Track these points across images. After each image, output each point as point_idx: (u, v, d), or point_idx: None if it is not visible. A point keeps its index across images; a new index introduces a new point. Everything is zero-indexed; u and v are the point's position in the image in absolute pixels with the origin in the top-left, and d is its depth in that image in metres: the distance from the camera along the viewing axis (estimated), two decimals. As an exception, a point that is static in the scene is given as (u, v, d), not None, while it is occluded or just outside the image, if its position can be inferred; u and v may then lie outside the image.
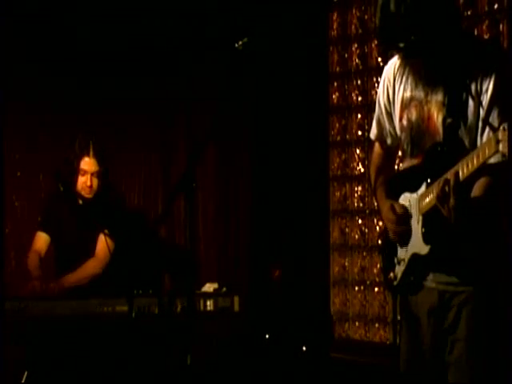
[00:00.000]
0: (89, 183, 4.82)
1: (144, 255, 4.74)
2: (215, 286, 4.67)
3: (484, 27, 5.60)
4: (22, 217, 5.69)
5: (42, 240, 4.95)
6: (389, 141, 3.27)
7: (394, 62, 3.18)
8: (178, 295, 4.32)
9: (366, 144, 5.98)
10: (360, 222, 6.32)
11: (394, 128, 3.20)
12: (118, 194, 5.16)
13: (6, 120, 5.53)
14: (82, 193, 4.84)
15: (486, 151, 2.68)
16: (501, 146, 2.62)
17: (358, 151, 6.25)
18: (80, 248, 4.89)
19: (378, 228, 5.97)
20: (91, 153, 4.84)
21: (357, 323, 6.27)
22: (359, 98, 6.24)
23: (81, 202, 4.90)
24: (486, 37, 5.51)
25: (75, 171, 4.82)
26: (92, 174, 4.83)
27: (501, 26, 5.51)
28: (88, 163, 4.84)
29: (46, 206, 5.05)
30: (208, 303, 4.48)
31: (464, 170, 2.77)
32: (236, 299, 4.54)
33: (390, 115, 3.21)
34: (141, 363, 4.26)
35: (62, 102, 5.87)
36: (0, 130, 4.82)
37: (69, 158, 4.85)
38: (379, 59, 6.04)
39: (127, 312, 4.30)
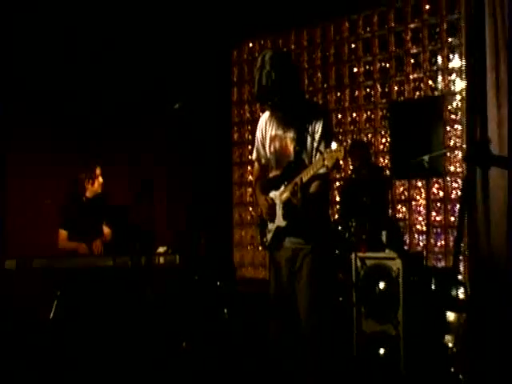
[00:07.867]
0: (101, 180, 4.68)
1: (124, 232, 4.65)
2: (165, 248, 4.56)
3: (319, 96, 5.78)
4: (46, 213, 5.39)
5: (63, 235, 4.67)
6: (263, 161, 3.25)
7: (266, 114, 3.18)
8: (143, 255, 4.20)
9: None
10: (250, 209, 6.39)
11: (266, 153, 3.18)
12: (107, 197, 5.02)
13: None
14: (98, 191, 4.67)
15: (318, 165, 2.76)
16: (325, 162, 2.65)
17: (249, 168, 6.29)
18: (87, 228, 4.70)
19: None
20: (97, 166, 4.72)
21: (249, 268, 6.35)
22: (249, 137, 6.28)
23: (86, 201, 4.74)
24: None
25: (84, 188, 4.67)
26: (102, 176, 4.71)
27: (328, 97, 5.75)
28: (99, 169, 4.71)
29: (62, 211, 4.73)
30: (160, 259, 4.37)
31: (305, 176, 2.84)
32: (177, 257, 4.43)
33: (263, 145, 3.20)
34: (121, 296, 4.11)
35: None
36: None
37: (79, 178, 4.68)
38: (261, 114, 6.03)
39: (112, 265, 4.16)
